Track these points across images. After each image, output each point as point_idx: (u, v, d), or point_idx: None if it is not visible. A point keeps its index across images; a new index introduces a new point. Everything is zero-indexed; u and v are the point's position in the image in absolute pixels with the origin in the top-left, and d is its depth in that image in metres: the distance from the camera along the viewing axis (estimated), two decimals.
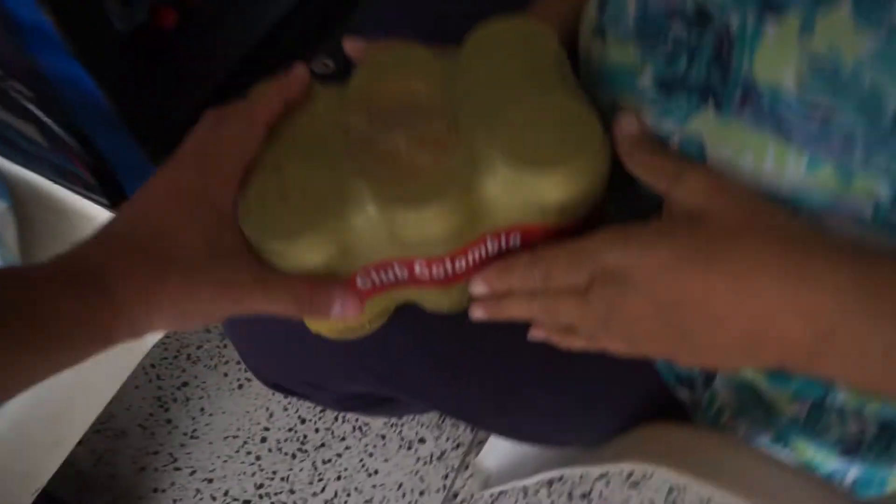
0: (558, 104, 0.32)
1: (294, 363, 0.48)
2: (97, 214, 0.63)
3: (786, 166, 0.30)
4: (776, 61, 0.28)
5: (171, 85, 0.82)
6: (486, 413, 0.45)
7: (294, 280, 0.31)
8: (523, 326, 0.42)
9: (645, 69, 0.35)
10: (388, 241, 0.31)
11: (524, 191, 0.30)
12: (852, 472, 0.38)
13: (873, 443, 0.36)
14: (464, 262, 0.33)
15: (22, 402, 0.56)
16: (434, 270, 0.33)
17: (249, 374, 0.96)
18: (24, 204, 0.60)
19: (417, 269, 0.33)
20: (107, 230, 0.30)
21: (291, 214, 0.30)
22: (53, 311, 0.26)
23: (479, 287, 0.34)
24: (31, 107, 0.56)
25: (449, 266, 0.33)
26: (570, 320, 0.33)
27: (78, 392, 0.61)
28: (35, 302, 0.26)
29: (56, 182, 0.77)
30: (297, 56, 0.96)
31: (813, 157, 0.30)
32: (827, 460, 0.38)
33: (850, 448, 0.36)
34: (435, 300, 0.37)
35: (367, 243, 0.31)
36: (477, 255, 0.33)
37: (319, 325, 0.38)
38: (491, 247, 0.33)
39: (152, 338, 0.68)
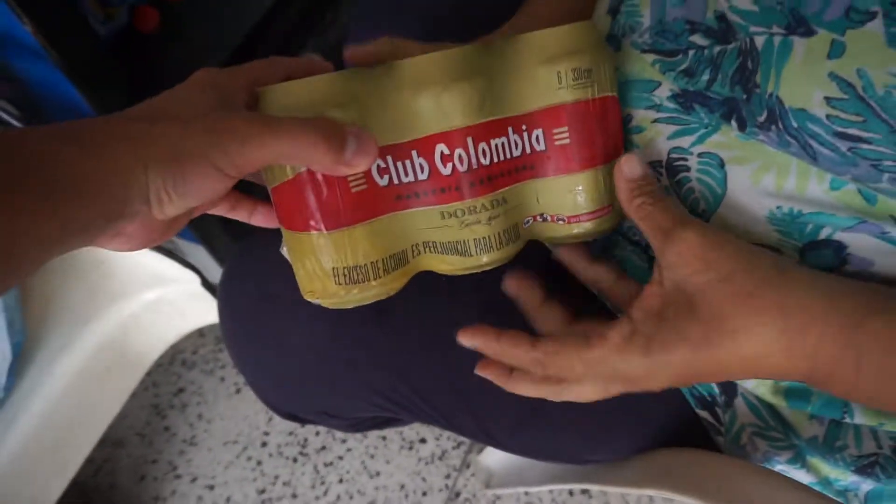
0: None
1: (308, 395, 0.47)
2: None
3: (808, 185, 0.30)
4: (804, 83, 0.27)
5: (155, 90, 0.80)
6: (503, 432, 0.45)
7: (299, 118, 0.29)
8: None
9: (663, 82, 0.34)
10: (404, 107, 0.31)
11: (531, 51, 0.32)
12: (865, 485, 0.39)
13: (887, 461, 0.36)
14: (487, 155, 0.32)
15: (27, 431, 0.55)
16: (456, 160, 0.31)
17: None
18: None
19: (437, 156, 0.31)
20: None
21: (312, 78, 0.31)
22: (42, 154, 0.24)
23: (468, 340, 0.35)
24: (18, 123, 0.54)
25: (473, 154, 0.31)
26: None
27: (81, 415, 0.60)
28: (24, 152, 0.23)
29: None
30: (283, 54, 0.94)
31: (836, 177, 0.30)
32: (842, 477, 0.38)
33: (866, 467, 0.37)
34: (455, 235, 0.33)
35: (384, 105, 0.31)
36: (500, 152, 0.32)
37: (319, 278, 0.32)
38: (514, 145, 0.33)
39: (152, 354, 0.67)
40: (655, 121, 0.34)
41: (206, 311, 0.69)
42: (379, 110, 0.31)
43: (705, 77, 0.32)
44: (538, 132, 0.33)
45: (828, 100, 0.26)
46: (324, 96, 0.30)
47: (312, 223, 0.31)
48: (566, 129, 0.33)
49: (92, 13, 0.68)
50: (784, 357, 0.29)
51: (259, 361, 0.48)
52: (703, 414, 0.39)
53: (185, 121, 0.27)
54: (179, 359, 0.97)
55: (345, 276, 0.32)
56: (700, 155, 0.33)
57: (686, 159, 0.33)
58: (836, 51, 0.26)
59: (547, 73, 0.32)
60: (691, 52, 0.32)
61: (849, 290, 0.28)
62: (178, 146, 0.26)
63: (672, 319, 0.30)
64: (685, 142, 0.33)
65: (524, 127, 0.33)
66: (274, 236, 0.35)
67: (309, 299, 0.33)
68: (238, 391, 0.94)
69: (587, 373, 0.32)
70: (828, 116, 0.27)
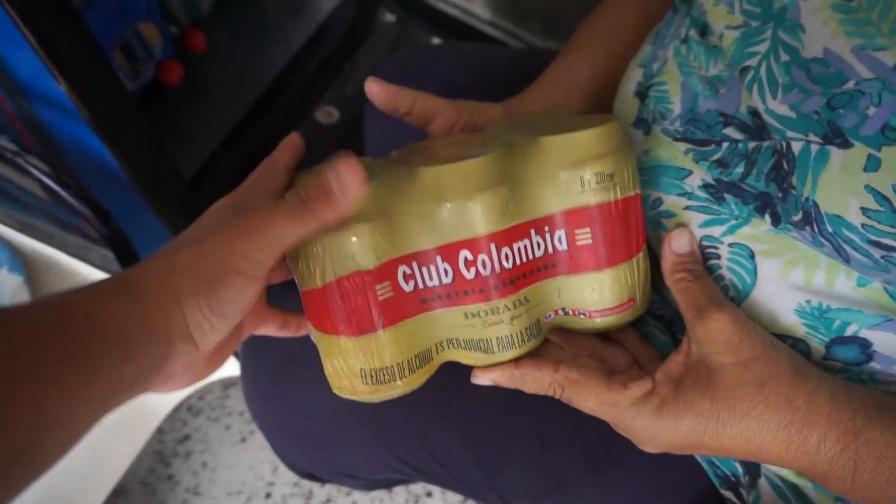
0: (578, 118, 0.37)
1: (328, 457, 0.47)
2: None
3: (837, 281, 0.31)
4: (840, 192, 0.28)
5: (178, 141, 0.82)
6: (524, 503, 0.45)
7: (289, 198, 0.29)
8: (568, 422, 0.43)
9: (695, 171, 0.35)
10: (428, 215, 0.31)
11: (553, 156, 0.33)
12: None
13: None
14: (509, 259, 0.32)
15: (39, 484, 0.54)
16: (479, 266, 0.32)
17: (253, 427, 0.95)
18: (38, 278, 0.59)
19: (461, 262, 0.32)
20: None
21: None
22: (86, 317, 0.24)
23: (484, 377, 0.34)
24: (48, 180, 0.55)
25: (496, 259, 0.32)
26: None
27: (92, 468, 0.60)
28: (71, 314, 0.24)
29: (55, 232, 0.75)
30: (301, 106, 0.96)
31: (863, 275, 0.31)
32: None
33: None
34: (479, 333, 0.33)
35: (408, 214, 0.31)
36: (522, 254, 0.33)
37: (347, 377, 0.33)
38: (537, 246, 0.33)
39: (165, 407, 0.67)
40: (687, 208, 0.35)
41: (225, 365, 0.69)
42: (404, 218, 0.31)
43: (739, 170, 0.33)
44: (560, 233, 0.34)
45: (864, 210, 0.27)
46: (354, 211, 0.30)
47: (341, 328, 0.32)
48: (588, 230, 0.33)
49: (121, 69, 0.70)
50: (783, 449, 0.31)
51: (280, 422, 0.48)
52: (727, 494, 0.39)
53: (199, 242, 0.28)
54: (185, 405, 0.96)
55: (372, 377, 0.33)
56: (731, 245, 0.34)
57: (717, 248, 0.34)
58: (872, 164, 0.27)
59: (570, 178, 0.33)
60: (725, 145, 0.33)
61: (852, 396, 0.31)
62: (200, 268, 0.27)
63: (689, 388, 0.32)
64: (716, 231, 0.34)
65: (546, 228, 0.33)
66: (297, 297, 0.35)
67: (337, 393, 0.35)
68: (243, 440, 0.93)
69: (597, 410, 0.34)
70: (863, 225, 0.28)
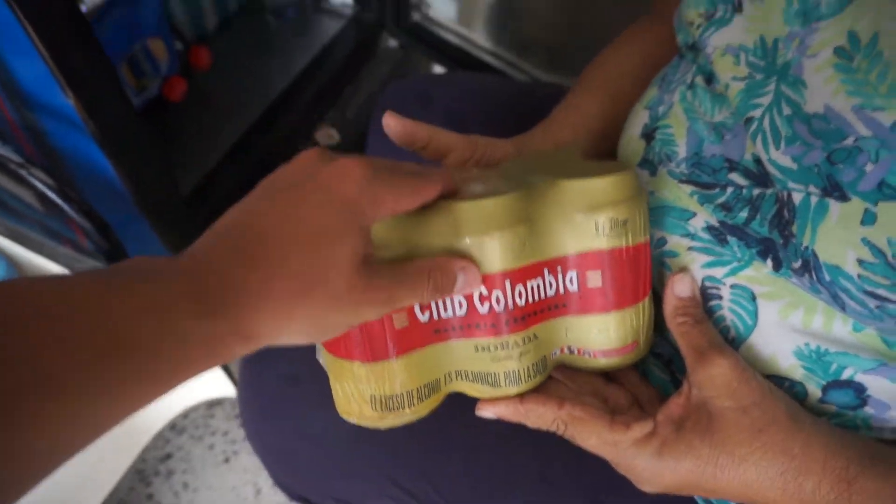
0: (592, 163, 0.38)
1: (326, 483, 0.47)
2: None
3: (834, 325, 0.32)
4: (838, 244, 0.29)
5: (178, 156, 0.82)
6: None
7: (424, 261, 0.30)
8: (569, 456, 0.43)
9: (699, 213, 0.36)
10: (447, 249, 0.32)
11: (571, 199, 0.33)
12: None
13: None
14: (522, 296, 0.33)
15: (27, 500, 0.53)
16: (493, 301, 0.32)
17: (237, 447, 0.94)
18: None
19: (476, 296, 0.33)
20: (236, 223, 0.26)
21: None
22: (170, 332, 0.22)
23: (489, 410, 0.35)
24: (51, 193, 0.55)
25: (510, 295, 0.33)
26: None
27: (81, 485, 0.59)
28: (146, 322, 0.22)
29: (46, 242, 0.75)
30: (302, 126, 0.97)
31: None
32: None
33: None
34: (487, 366, 0.34)
35: (426, 248, 0.32)
36: (535, 293, 0.33)
37: (357, 402, 0.34)
38: (549, 285, 0.34)
39: (156, 425, 0.66)
40: (690, 248, 0.36)
41: (216, 385, 0.68)
42: (422, 250, 0.32)
43: (743, 214, 0.34)
44: (572, 274, 0.34)
45: (860, 261, 0.28)
46: (376, 240, 0.31)
47: (356, 354, 0.33)
48: (599, 273, 0.34)
49: (126, 84, 0.70)
50: (779, 495, 0.32)
51: (278, 445, 0.48)
52: None
53: (336, 290, 0.27)
54: (169, 423, 0.94)
55: (381, 403, 0.33)
56: (732, 287, 0.35)
57: (719, 289, 0.35)
58: (868, 219, 0.28)
59: (585, 221, 0.33)
60: (730, 189, 0.34)
61: (845, 444, 0.32)
62: (323, 322, 0.27)
63: (689, 431, 0.33)
64: (718, 272, 0.35)
65: (559, 269, 0.34)
66: None
67: (344, 418, 0.35)
68: (226, 460, 0.92)
69: (599, 448, 0.34)
70: (859, 276, 0.28)
